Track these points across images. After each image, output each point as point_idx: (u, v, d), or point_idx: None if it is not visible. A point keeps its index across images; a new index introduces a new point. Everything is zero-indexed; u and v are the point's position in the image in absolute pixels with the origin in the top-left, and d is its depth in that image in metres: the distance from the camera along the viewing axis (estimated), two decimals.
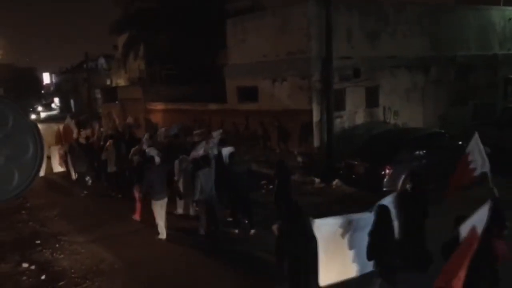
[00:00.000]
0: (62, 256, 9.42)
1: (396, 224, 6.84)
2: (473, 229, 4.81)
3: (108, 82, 45.09)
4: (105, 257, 9.10)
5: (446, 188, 10.89)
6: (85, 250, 9.63)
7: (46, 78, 78.59)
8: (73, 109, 59.35)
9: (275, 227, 6.81)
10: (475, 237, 4.76)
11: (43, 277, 8.46)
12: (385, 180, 10.97)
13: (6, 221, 11.92)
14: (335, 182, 13.02)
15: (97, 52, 54.79)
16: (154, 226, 9.94)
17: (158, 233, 9.83)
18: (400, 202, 7.00)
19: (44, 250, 9.76)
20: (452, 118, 16.26)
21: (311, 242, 6.10)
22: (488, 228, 5.08)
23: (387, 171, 10.95)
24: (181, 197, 10.84)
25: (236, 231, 9.80)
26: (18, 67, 69.05)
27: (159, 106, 22.82)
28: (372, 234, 6.29)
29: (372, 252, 6.26)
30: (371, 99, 14.80)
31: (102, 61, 54.89)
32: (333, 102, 13.49)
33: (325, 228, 6.37)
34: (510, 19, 18.32)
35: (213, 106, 18.44)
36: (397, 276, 6.29)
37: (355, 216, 6.71)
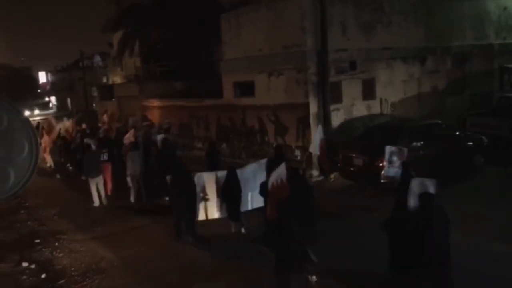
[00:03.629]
0: (61, 254, 9.44)
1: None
2: (279, 179, 7.28)
3: (104, 80, 44.97)
4: (105, 255, 9.12)
5: (444, 177, 10.98)
6: (85, 248, 9.65)
7: (42, 77, 78.20)
8: (70, 108, 59.20)
9: (168, 178, 9.91)
10: (284, 184, 7.20)
11: (43, 275, 8.48)
12: (382, 172, 10.98)
13: (5, 221, 11.94)
14: (333, 175, 13.03)
15: (93, 50, 54.64)
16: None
17: (103, 204, 12.63)
18: (268, 166, 9.69)
19: (43, 249, 9.78)
20: (449, 108, 16.27)
21: (191, 188, 9.23)
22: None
23: (385, 163, 10.96)
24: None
25: (167, 198, 11.29)
26: (13, 67, 68.81)
27: (156, 103, 22.78)
28: (223, 187, 9.27)
29: (224, 200, 9.30)
30: (368, 91, 14.76)
31: (97, 59, 54.74)
32: (329, 95, 13.48)
33: (203, 179, 9.44)
34: (505, 8, 18.29)
35: (209, 102, 18.41)
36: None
37: (224, 172, 9.57)
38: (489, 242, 7.96)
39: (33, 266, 8.93)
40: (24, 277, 8.50)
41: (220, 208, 9.60)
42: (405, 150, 9.10)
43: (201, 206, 9.51)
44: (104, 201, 12.71)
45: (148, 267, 8.39)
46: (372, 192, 11.24)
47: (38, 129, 20.96)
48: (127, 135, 14.72)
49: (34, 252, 9.64)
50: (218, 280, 7.70)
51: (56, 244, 10.01)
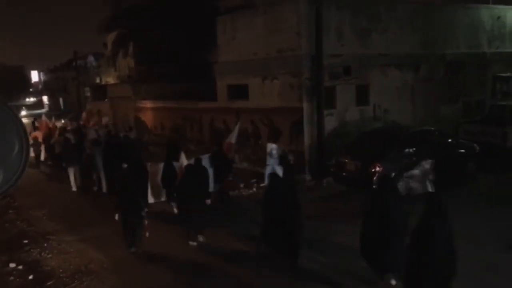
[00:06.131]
0: (50, 255, 9.33)
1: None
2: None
3: (98, 80, 44.70)
4: (94, 257, 9.02)
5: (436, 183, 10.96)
6: (74, 249, 9.54)
7: (35, 76, 77.80)
8: (62, 107, 58.88)
9: (124, 166, 11.13)
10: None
11: (30, 277, 8.36)
12: (375, 178, 10.97)
13: None
14: (326, 180, 13.03)
15: (87, 50, 54.35)
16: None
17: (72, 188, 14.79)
18: (211, 161, 11.76)
19: (32, 250, 9.65)
20: (442, 115, 16.35)
21: (142, 175, 11.07)
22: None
23: (377, 169, 10.96)
24: None
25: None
26: (6, 65, 68.30)
27: (149, 104, 22.69)
28: (162, 175, 11.26)
29: (163, 186, 11.26)
30: (362, 97, 14.80)
31: (91, 59, 54.40)
32: (323, 100, 13.48)
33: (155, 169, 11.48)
34: (498, 17, 18.45)
35: (202, 104, 18.36)
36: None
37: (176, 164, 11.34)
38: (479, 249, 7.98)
39: (20, 267, 8.81)
40: (12, 278, 8.39)
41: (161, 193, 11.94)
42: (283, 147, 12.51)
43: (149, 190, 11.82)
44: (74, 187, 14.78)
45: (138, 269, 8.31)
46: (362, 198, 11.20)
47: (34, 126, 22.56)
48: (90, 133, 17.46)
49: (22, 253, 9.51)
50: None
51: (45, 245, 9.89)
